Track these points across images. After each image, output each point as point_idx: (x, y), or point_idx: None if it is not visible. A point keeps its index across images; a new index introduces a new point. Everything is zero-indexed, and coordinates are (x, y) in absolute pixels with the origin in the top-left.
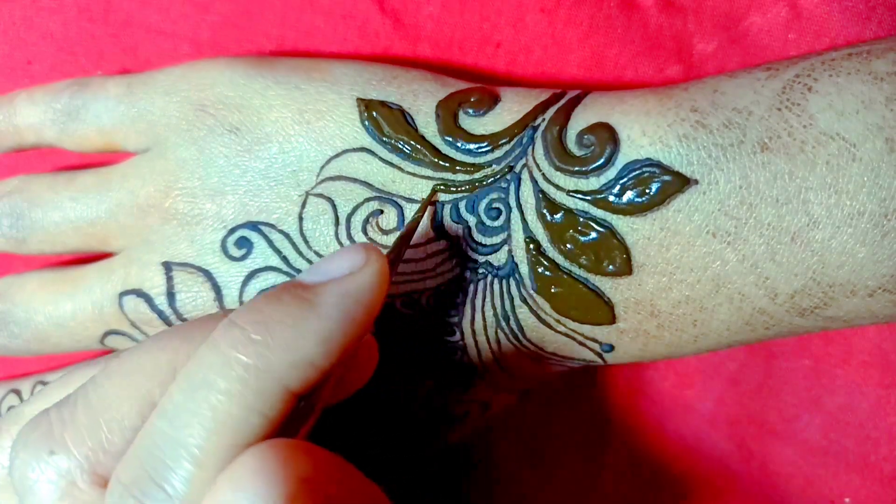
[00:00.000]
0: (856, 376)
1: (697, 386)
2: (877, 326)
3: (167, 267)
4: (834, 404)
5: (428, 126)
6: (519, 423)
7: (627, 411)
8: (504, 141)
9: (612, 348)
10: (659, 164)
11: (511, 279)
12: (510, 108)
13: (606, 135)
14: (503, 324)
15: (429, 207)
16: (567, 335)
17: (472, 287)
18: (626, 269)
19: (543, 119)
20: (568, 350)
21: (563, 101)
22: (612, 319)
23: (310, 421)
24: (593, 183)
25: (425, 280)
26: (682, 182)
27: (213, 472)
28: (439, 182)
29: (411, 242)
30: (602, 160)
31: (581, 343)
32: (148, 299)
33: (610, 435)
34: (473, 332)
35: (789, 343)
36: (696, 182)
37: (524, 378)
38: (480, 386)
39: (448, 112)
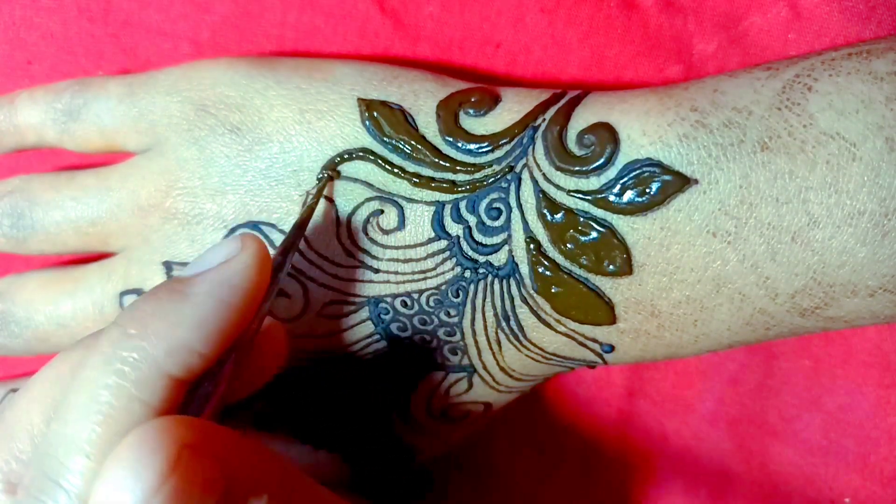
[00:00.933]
0: (856, 376)
1: (697, 386)
2: (877, 327)
3: (168, 266)
4: (834, 404)
5: (428, 126)
6: (519, 424)
7: (627, 411)
8: (504, 141)
9: (612, 349)
10: (659, 164)
11: (511, 279)
12: (510, 108)
13: (607, 134)
14: (503, 324)
15: (323, 195)
16: (567, 335)
17: (472, 287)
18: (626, 268)
19: (544, 119)
20: (568, 350)
21: (563, 102)
22: (613, 320)
23: (208, 407)
24: (594, 183)
25: (426, 280)
26: (682, 182)
27: (103, 463)
28: (441, 181)
29: (306, 232)
30: (602, 160)
31: (581, 343)
32: None
33: (610, 435)
34: (474, 332)
35: (789, 343)
36: (697, 182)
37: (524, 379)
38: (481, 387)
39: (449, 112)
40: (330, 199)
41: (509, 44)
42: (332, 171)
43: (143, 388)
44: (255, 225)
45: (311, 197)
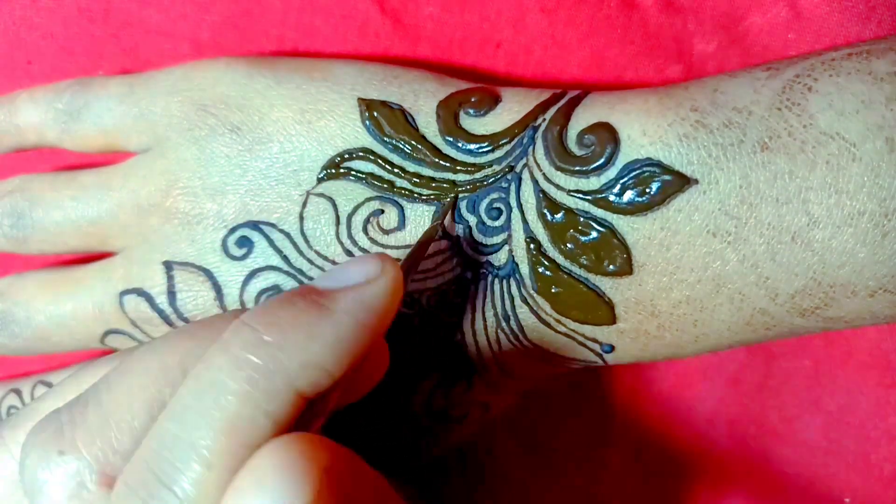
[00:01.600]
0: (856, 377)
1: (698, 386)
2: (877, 327)
3: (168, 266)
4: (834, 405)
5: (429, 126)
6: (519, 424)
7: (628, 412)
8: (504, 141)
9: (612, 349)
10: (659, 164)
11: (511, 279)
12: (510, 108)
13: (607, 135)
14: (503, 324)
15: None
16: (567, 335)
17: (472, 287)
18: (626, 268)
19: (544, 119)
20: (568, 351)
21: (563, 102)
22: (613, 320)
23: (317, 424)
24: (594, 183)
25: (426, 280)
26: (682, 181)
27: (221, 473)
28: (441, 181)
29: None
30: (602, 160)
31: (581, 343)
32: (149, 298)
33: (610, 436)
34: (474, 332)
35: (789, 344)
36: (697, 182)
37: (524, 379)
38: (480, 387)
39: (449, 112)
40: (330, 199)
41: (509, 44)
42: (453, 200)
43: (272, 401)
44: (255, 224)
45: (437, 216)
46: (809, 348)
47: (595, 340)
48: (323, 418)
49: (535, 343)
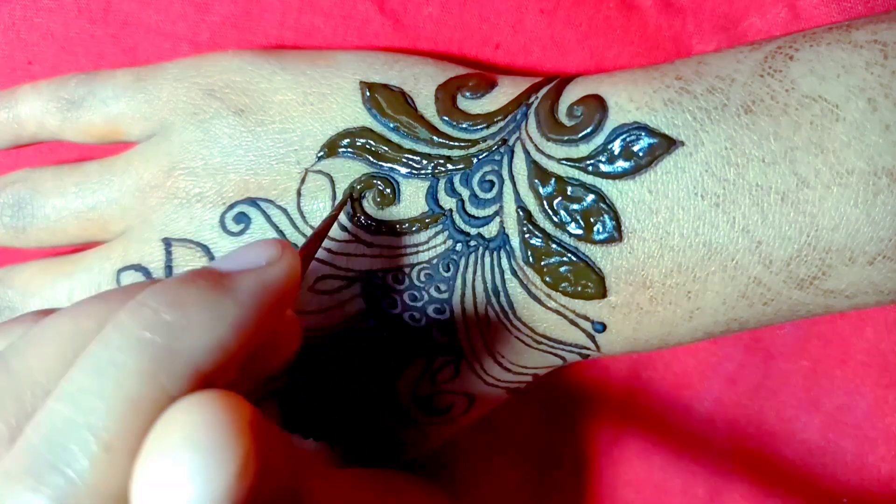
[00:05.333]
0: (854, 377)
1: (696, 386)
2: (875, 327)
3: (167, 243)
4: (832, 405)
5: (427, 107)
6: (512, 424)
7: (626, 412)
8: (499, 118)
9: (604, 328)
10: (645, 127)
11: (502, 251)
12: (506, 91)
13: (595, 103)
14: (493, 299)
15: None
16: (558, 312)
17: (462, 260)
18: (616, 235)
19: (536, 97)
20: (559, 331)
21: (555, 82)
22: (604, 292)
23: None
24: (583, 150)
25: (418, 254)
26: (668, 143)
27: (121, 456)
28: (437, 157)
29: (329, 234)
30: (591, 128)
31: (572, 322)
32: (146, 273)
33: (609, 436)
34: (463, 309)
35: (787, 344)
36: (683, 143)
37: (513, 369)
38: (467, 375)
39: (447, 95)
40: (328, 176)
41: (508, 44)
42: (353, 193)
43: (175, 381)
44: (253, 201)
45: (332, 210)
46: (808, 349)
47: (586, 318)
48: None
49: (525, 322)
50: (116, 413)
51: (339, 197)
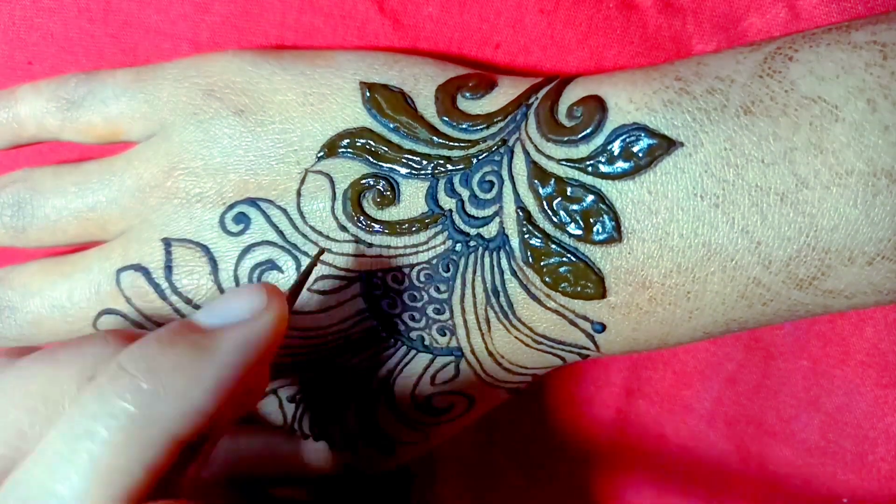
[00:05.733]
0: (853, 376)
1: (695, 386)
2: (874, 326)
3: (167, 243)
4: (832, 404)
5: (427, 108)
6: (509, 423)
7: (625, 412)
8: (499, 119)
9: (603, 328)
10: (645, 128)
11: (501, 251)
12: (506, 92)
13: (595, 104)
14: (493, 300)
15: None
16: (557, 312)
17: (462, 261)
18: (616, 235)
19: (536, 98)
20: (558, 332)
21: (555, 82)
22: (603, 292)
23: (193, 467)
24: (583, 150)
25: (417, 254)
26: (667, 144)
27: None
28: (437, 157)
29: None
30: (591, 128)
31: (572, 322)
32: (146, 273)
33: (608, 435)
34: (463, 309)
35: (787, 343)
36: (682, 144)
37: (513, 369)
38: (467, 375)
39: (447, 95)
40: (327, 176)
41: (508, 44)
42: (320, 252)
43: (149, 451)
44: (252, 201)
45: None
46: (807, 348)
47: (586, 318)
48: (200, 458)
49: (525, 322)
50: (89, 483)
51: (339, 196)
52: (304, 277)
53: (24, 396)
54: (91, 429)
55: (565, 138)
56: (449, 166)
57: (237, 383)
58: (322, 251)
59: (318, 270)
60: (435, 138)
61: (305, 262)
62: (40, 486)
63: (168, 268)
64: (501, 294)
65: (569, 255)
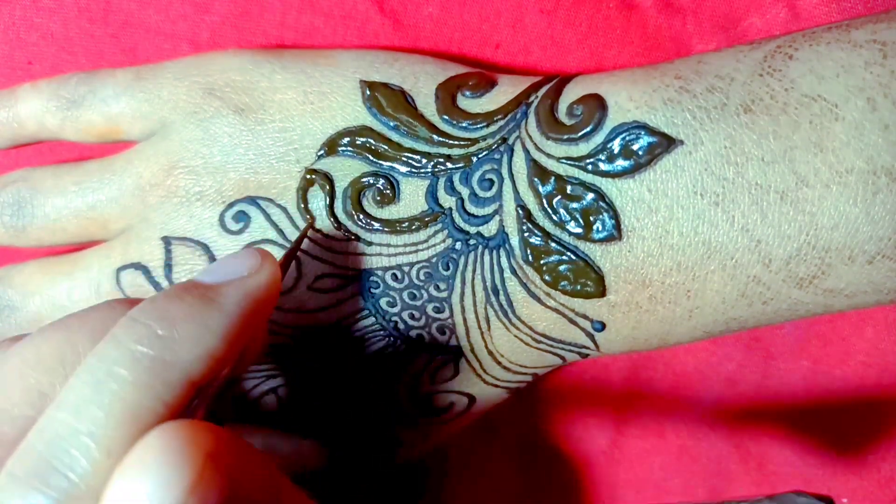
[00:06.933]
0: (854, 377)
1: (696, 386)
2: (875, 326)
3: (167, 242)
4: (832, 404)
5: (427, 106)
6: (509, 422)
7: (626, 412)
8: (499, 117)
9: (603, 326)
10: (645, 126)
11: (501, 249)
12: (506, 91)
13: (595, 103)
14: (493, 298)
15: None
16: (557, 311)
17: (462, 259)
18: (616, 233)
19: (536, 96)
20: (558, 331)
21: (555, 81)
22: (603, 291)
23: (202, 408)
24: (583, 149)
25: (417, 252)
26: (667, 142)
27: (119, 459)
28: (437, 156)
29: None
30: (591, 127)
31: (572, 321)
32: (146, 271)
33: (609, 436)
34: (462, 308)
35: (787, 343)
36: (682, 142)
37: (513, 369)
38: (467, 374)
39: (447, 93)
40: (327, 175)
41: (508, 44)
42: (311, 222)
43: (169, 391)
44: (252, 200)
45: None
46: (808, 349)
47: (585, 317)
48: (209, 401)
49: (525, 321)
50: (116, 420)
51: (339, 195)
52: (296, 246)
53: (40, 359)
54: (113, 371)
55: (565, 136)
56: (449, 165)
57: (241, 332)
58: (313, 220)
59: (318, 269)
60: (435, 137)
61: (304, 259)
62: (67, 426)
63: (168, 266)
64: (501, 292)
65: (568, 254)
